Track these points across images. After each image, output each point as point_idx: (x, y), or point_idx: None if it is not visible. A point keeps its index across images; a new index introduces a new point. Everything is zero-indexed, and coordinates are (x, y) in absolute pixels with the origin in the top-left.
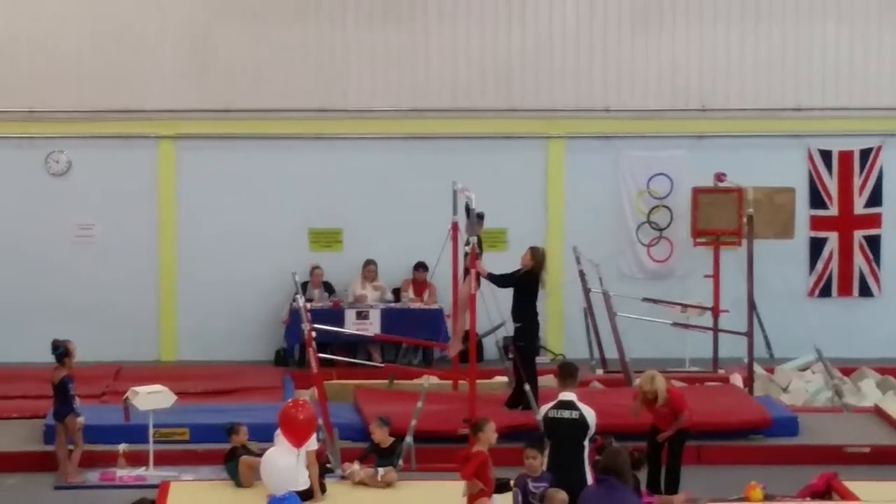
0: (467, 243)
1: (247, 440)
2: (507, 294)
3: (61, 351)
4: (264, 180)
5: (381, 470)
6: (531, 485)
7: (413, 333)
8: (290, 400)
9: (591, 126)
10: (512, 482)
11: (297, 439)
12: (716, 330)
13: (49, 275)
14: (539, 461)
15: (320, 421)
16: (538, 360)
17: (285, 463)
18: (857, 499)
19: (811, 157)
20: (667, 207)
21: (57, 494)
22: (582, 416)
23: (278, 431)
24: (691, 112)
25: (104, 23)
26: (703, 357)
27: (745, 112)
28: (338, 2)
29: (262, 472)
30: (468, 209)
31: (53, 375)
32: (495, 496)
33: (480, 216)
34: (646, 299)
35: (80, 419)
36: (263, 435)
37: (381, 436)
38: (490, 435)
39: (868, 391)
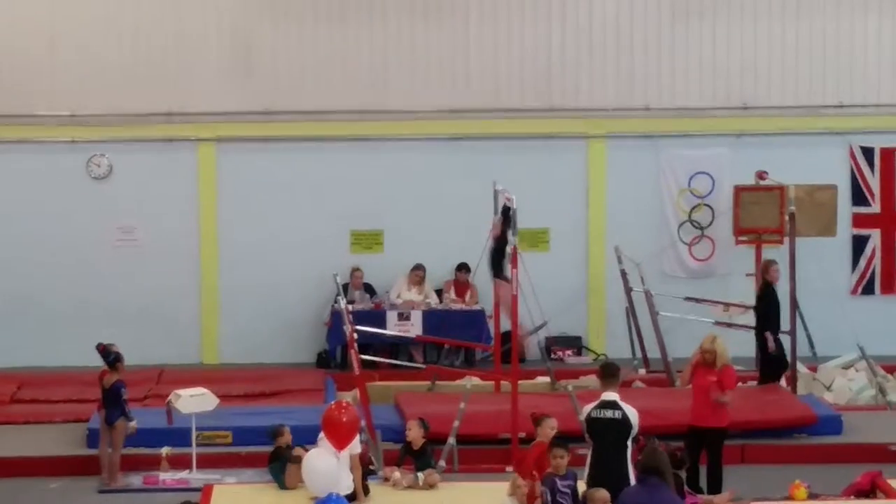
0: (500, 237)
1: (290, 441)
2: (549, 294)
3: (113, 356)
4: (305, 182)
5: (420, 474)
6: (560, 483)
7: (455, 334)
8: (333, 402)
9: (632, 125)
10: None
11: (340, 441)
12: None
13: (91, 278)
14: (566, 460)
15: (363, 423)
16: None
17: (326, 465)
18: None
19: (853, 155)
20: (708, 206)
21: (101, 498)
22: (625, 416)
23: (322, 434)
24: (732, 110)
25: (145, 26)
26: (745, 356)
27: (787, 109)
28: (378, 4)
29: (304, 474)
30: (507, 211)
31: (105, 380)
32: None
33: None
34: (688, 298)
35: (133, 423)
36: (306, 437)
37: (416, 436)
38: (548, 430)
39: None
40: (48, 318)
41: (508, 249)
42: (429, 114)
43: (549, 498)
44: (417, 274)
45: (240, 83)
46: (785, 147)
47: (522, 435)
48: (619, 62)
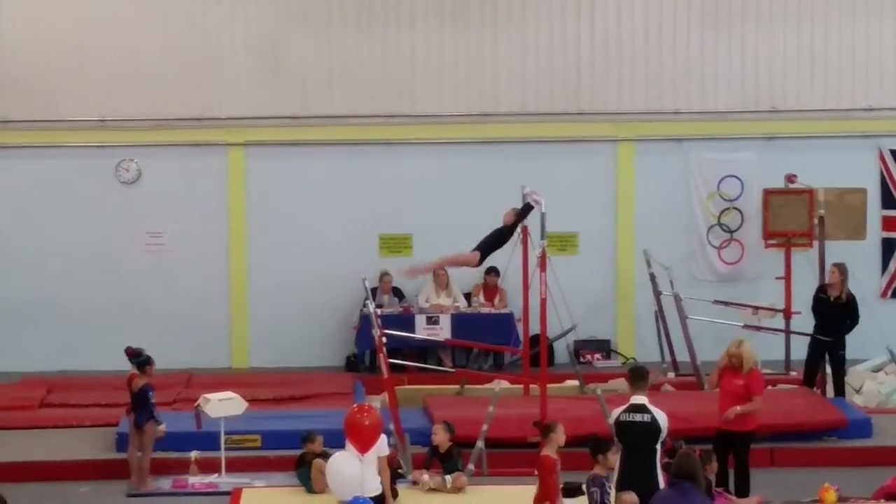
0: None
1: (321, 449)
2: (578, 297)
3: (144, 358)
4: (334, 186)
5: (448, 477)
6: (606, 484)
7: (483, 338)
8: (355, 405)
9: (661, 128)
10: (584, 485)
11: (363, 444)
12: (788, 332)
13: (120, 283)
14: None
15: (391, 426)
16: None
17: (350, 468)
18: None
19: (882, 158)
20: (737, 209)
21: (130, 502)
22: (654, 420)
23: None
24: (761, 113)
25: (174, 31)
26: (775, 359)
27: (816, 113)
28: (406, 8)
29: (328, 477)
30: (526, 208)
31: (134, 383)
32: (565, 500)
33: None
34: (717, 302)
35: (162, 427)
36: (335, 441)
37: (442, 439)
38: (560, 436)
39: None
40: (77, 323)
41: (537, 253)
42: (457, 118)
43: (598, 498)
44: (440, 276)
45: (269, 87)
46: (814, 150)
47: None
48: (647, 66)
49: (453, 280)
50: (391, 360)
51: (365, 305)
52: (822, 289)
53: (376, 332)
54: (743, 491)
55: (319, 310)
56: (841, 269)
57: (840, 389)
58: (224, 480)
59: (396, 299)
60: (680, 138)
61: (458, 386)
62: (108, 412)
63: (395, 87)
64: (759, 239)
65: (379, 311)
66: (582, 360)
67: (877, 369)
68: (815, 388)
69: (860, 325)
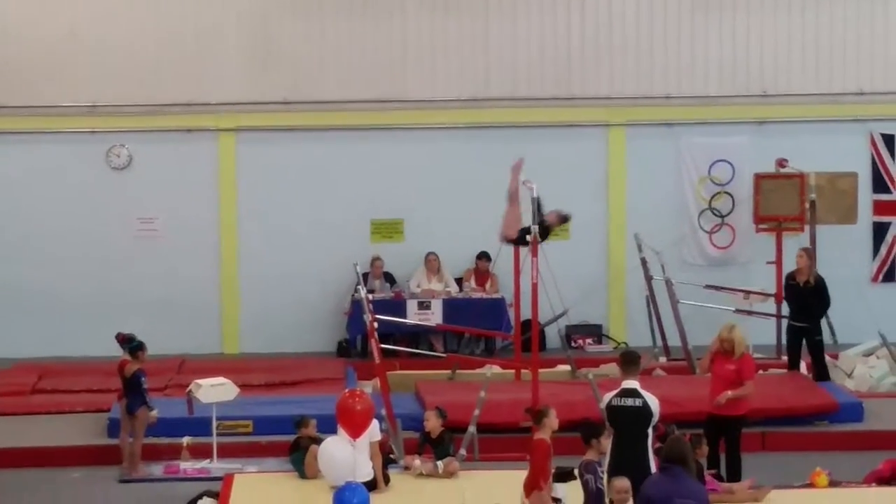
0: (528, 231)
1: (315, 433)
2: (569, 282)
3: (135, 344)
4: (325, 172)
5: (440, 462)
6: (599, 470)
7: (475, 323)
8: (346, 390)
9: (652, 113)
10: (577, 470)
11: (355, 430)
12: (779, 316)
13: (111, 268)
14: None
15: (383, 411)
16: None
17: (342, 453)
18: None
19: (873, 142)
20: (728, 194)
21: (122, 487)
22: (645, 404)
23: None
24: (752, 98)
25: (165, 17)
26: (766, 344)
27: (807, 97)
28: None
29: (320, 463)
30: (538, 203)
31: (126, 369)
32: (556, 485)
33: (566, 217)
34: (708, 286)
35: (154, 412)
36: (327, 426)
37: (434, 425)
38: (553, 421)
39: None
40: (68, 309)
41: (528, 237)
42: (448, 103)
43: (594, 485)
44: (431, 261)
45: (260, 73)
46: (805, 135)
47: None
48: (638, 50)
49: (445, 265)
50: (383, 346)
51: (356, 290)
52: (790, 276)
53: (368, 317)
54: (734, 475)
55: (311, 295)
56: (809, 253)
57: (822, 374)
58: (216, 466)
59: (388, 284)
60: (671, 123)
61: (449, 371)
62: (100, 398)
63: (386, 72)
64: (750, 223)
65: (370, 296)
66: (573, 344)
67: (868, 353)
68: (808, 373)
69: (852, 309)
